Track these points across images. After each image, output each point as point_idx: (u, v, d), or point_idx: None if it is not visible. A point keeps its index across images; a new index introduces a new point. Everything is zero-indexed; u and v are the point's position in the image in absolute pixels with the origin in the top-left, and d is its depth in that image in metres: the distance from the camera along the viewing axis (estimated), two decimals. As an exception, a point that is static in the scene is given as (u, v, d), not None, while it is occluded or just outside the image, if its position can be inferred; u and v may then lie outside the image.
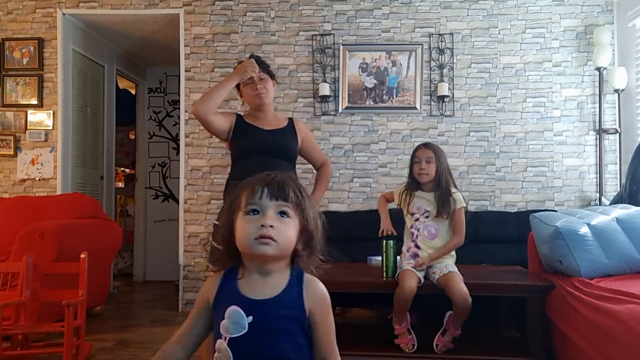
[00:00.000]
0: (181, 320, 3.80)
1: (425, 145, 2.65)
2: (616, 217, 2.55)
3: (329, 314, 1.11)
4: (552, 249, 2.53)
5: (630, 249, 2.41)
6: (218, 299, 1.09)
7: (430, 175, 2.58)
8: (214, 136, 4.15)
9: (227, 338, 1.05)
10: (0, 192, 4.23)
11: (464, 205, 2.61)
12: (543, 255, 2.69)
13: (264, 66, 2.32)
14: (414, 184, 2.65)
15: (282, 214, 1.07)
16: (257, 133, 2.27)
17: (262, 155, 2.21)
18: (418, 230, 2.62)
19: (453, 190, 2.60)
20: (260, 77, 2.28)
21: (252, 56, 2.35)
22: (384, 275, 2.63)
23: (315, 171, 2.55)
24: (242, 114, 2.37)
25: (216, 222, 2.23)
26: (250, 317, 1.05)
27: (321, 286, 1.11)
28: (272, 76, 2.35)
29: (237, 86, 2.34)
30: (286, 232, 1.06)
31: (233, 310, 1.06)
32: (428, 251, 2.58)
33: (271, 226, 1.04)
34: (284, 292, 1.07)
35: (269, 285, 1.08)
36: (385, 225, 2.68)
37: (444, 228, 2.60)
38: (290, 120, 2.39)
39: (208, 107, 2.18)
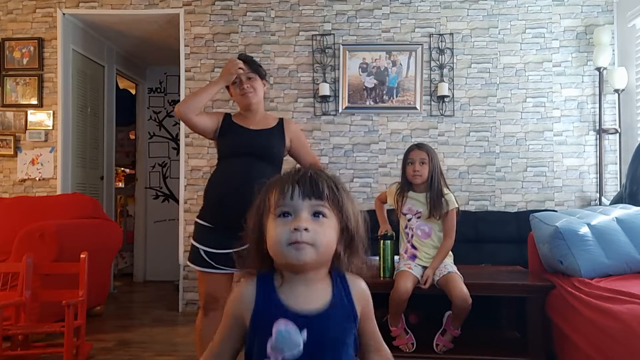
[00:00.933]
0: (182, 320, 3.84)
1: (419, 146, 2.63)
2: (616, 217, 2.55)
3: (371, 304, 1.05)
4: (552, 249, 2.54)
5: (630, 249, 2.42)
6: (258, 313, 0.97)
7: (423, 177, 2.58)
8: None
9: (281, 358, 0.93)
10: (0, 192, 4.23)
11: (456, 206, 2.60)
12: (543, 255, 2.69)
13: (253, 66, 2.26)
14: (406, 185, 2.65)
15: (318, 214, 0.94)
16: (240, 132, 2.23)
17: (243, 156, 2.18)
18: (412, 230, 2.62)
19: (445, 191, 2.59)
20: (249, 77, 2.23)
21: (240, 56, 2.30)
22: (381, 275, 2.63)
23: None
24: (232, 113, 2.34)
25: (197, 220, 2.23)
26: (305, 333, 0.93)
27: (363, 283, 1.04)
28: (262, 76, 2.29)
29: (227, 86, 2.32)
30: (324, 234, 0.94)
31: (284, 325, 0.94)
32: (424, 250, 2.58)
33: (306, 229, 0.92)
34: (335, 299, 0.98)
35: (314, 295, 0.97)
36: (384, 226, 2.70)
37: (437, 227, 2.60)
38: (281, 120, 2.34)
39: (189, 108, 2.16)
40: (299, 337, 0.93)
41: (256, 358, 0.96)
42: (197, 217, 2.23)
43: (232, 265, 2.10)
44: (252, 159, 2.18)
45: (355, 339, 1.01)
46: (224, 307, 0.99)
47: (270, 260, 0.99)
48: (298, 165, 1.01)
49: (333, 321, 0.96)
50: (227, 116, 2.29)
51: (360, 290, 1.03)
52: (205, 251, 2.13)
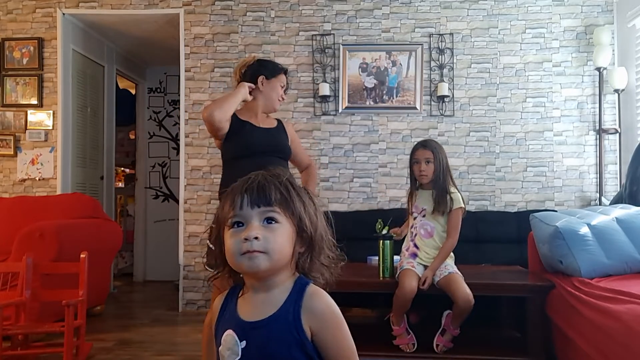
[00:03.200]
0: (182, 320, 3.85)
1: (424, 145, 2.62)
2: (616, 217, 2.55)
3: (338, 330, 0.96)
4: (552, 249, 2.54)
5: (630, 249, 2.41)
6: (219, 323, 1.01)
7: (429, 176, 2.58)
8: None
9: None
10: (0, 192, 4.23)
11: (462, 206, 2.59)
12: (543, 255, 2.69)
13: (287, 81, 2.43)
14: (414, 183, 2.66)
15: (269, 220, 0.94)
16: (254, 131, 2.25)
17: (260, 154, 2.19)
18: (416, 229, 2.62)
19: (452, 190, 2.58)
20: (285, 89, 2.39)
21: (286, 70, 2.42)
22: (381, 275, 2.64)
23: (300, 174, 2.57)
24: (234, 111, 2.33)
25: (213, 226, 2.20)
26: (244, 342, 0.94)
27: (324, 300, 0.97)
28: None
29: (257, 77, 2.32)
30: (275, 240, 0.93)
31: (227, 335, 0.96)
32: (425, 249, 2.58)
33: (256, 238, 0.92)
34: (279, 311, 0.95)
35: (267, 303, 0.97)
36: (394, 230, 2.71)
37: (440, 228, 2.59)
38: (279, 121, 2.41)
39: (226, 113, 2.15)
40: (238, 346, 0.94)
41: None
42: (214, 222, 2.21)
43: None
44: (271, 157, 2.20)
45: (312, 357, 0.95)
46: None
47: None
48: (250, 174, 1.01)
49: (271, 334, 0.94)
50: (234, 115, 2.27)
51: (312, 307, 0.95)
52: None
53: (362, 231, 3.52)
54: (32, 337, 2.76)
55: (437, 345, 2.52)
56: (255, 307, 0.97)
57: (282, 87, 2.37)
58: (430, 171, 2.57)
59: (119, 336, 3.28)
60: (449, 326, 2.51)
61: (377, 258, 2.71)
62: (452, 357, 2.51)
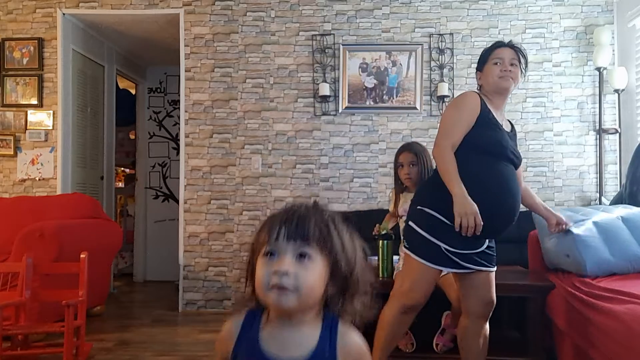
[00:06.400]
0: (181, 320, 3.83)
1: (408, 148, 2.63)
2: (621, 216, 2.54)
3: None
4: (559, 243, 2.52)
5: (634, 247, 2.41)
6: (237, 351, 0.96)
7: (414, 179, 2.58)
8: (214, 136, 4.16)
9: None
10: (0, 192, 4.23)
11: None
12: (546, 251, 2.68)
13: (519, 53, 2.11)
14: (399, 186, 2.65)
15: (303, 256, 0.91)
16: (501, 131, 2.04)
17: (508, 161, 2.03)
18: None
19: None
20: (512, 62, 2.07)
21: (509, 42, 2.13)
22: (380, 275, 2.63)
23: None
24: (480, 94, 2.10)
25: (440, 218, 2.04)
26: None
27: (358, 339, 0.96)
28: (523, 69, 2.13)
29: (481, 67, 2.14)
30: (306, 278, 0.90)
31: None
32: None
33: (286, 273, 0.89)
34: (316, 351, 0.92)
35: (296, 340, 0.93)
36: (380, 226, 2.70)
37: None
38: (512, 125, 2.18)
39: None
40: None
41: None
42: (438, 213, 2.02)
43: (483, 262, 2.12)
44: (512, 168, 2.05)
45: None
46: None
47: None
48: (292, 203, 0.98)
49: None
50: (482, 101, 2.05)
51: (348, 345, 0.94)
52: (454, 252, 2.05)
53: (362, 231, 3.50)
54: (32, 337, 2.76)
55: (437, 345, 2.52)
56: (284, 343, 0.93)
57: (498, 64, 2.06)
58: (414, 174, 2.57)
59: (119, 336, 3.28)
60: (449, 326, 2.51)
61: (376, 258, 2.70)
62: (452, 357, 2.51)
